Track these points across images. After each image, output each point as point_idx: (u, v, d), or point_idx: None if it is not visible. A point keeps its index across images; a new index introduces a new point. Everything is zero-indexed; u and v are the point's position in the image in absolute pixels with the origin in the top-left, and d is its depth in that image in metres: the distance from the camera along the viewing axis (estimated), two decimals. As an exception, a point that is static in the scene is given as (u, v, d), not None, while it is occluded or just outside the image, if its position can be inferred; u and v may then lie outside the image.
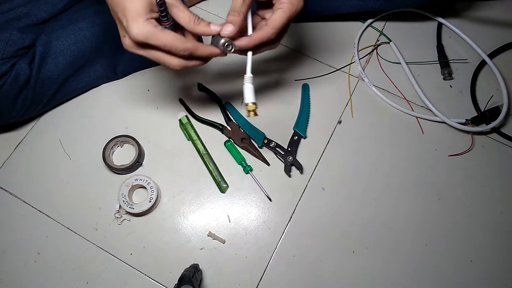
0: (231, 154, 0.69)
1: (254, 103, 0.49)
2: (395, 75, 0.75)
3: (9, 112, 0.65)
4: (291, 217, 0.66)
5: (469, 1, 0.80)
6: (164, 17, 0.45)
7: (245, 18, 0.47)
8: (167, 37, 0.44)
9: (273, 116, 0.72)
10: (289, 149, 0.69)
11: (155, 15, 0.44)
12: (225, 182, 0.67)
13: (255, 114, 0.50)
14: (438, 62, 0.76)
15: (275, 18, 0.47)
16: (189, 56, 0.47)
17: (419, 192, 0.68)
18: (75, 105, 0.73)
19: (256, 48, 0.49)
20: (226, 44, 0.47)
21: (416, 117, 0.72)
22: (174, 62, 0.47)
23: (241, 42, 0.47)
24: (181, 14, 0.45)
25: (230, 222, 0.66)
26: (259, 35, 0.47)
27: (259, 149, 0.69)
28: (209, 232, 0.65)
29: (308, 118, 0.71)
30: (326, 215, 0.66)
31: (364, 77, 0.74)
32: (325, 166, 0.69)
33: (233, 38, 0.47)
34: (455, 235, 0.65)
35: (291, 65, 0.76)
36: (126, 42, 0.45)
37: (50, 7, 0.65)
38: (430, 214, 0.66)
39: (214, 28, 0.46)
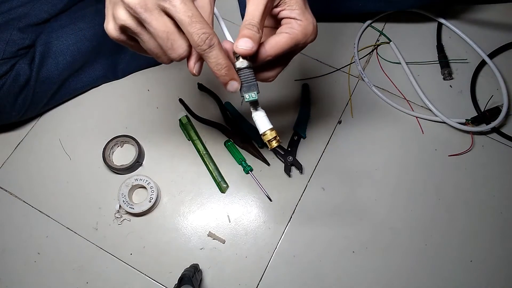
0: (231, 154, 0.69)
1: (271, 129, 0.42)
2: (395, 75, 0.75)
3: (9, 112, 0.65)
4: (291, 217, 0.66)
5: (467, 4, 0.80)
6: None
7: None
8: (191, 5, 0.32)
9: (273, 116, 0.72)
10: (289, 149, 0.69)
11: None
12: (225, 182, 0.67)
13: (278, 142, 0.42)
14: (438, 62, 0.76)
15: (278, 41, 0.37)
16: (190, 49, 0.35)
17: (419, 192, 0.68)
18: (75, 105, 0.73)
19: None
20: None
21: (416, 117, 0.72)
22: (183, 45, 0.34)
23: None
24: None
25: (230, 222, 0.66)
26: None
27: (259, 149, 0.69)
28: (209, 232, 0.65)
29: (308, 118, 0.71)
30: (326, 215, 0.66)
31: (364, 77, 0.74)
32: (325, 166, 0.69)
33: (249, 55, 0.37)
34: (455, 235, 0.65)
35: (291, 65, 0.75)
36: (110, 26, 0.34)
37: (50, 7, 0.65)
38: (429, 214, 0.66)
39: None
